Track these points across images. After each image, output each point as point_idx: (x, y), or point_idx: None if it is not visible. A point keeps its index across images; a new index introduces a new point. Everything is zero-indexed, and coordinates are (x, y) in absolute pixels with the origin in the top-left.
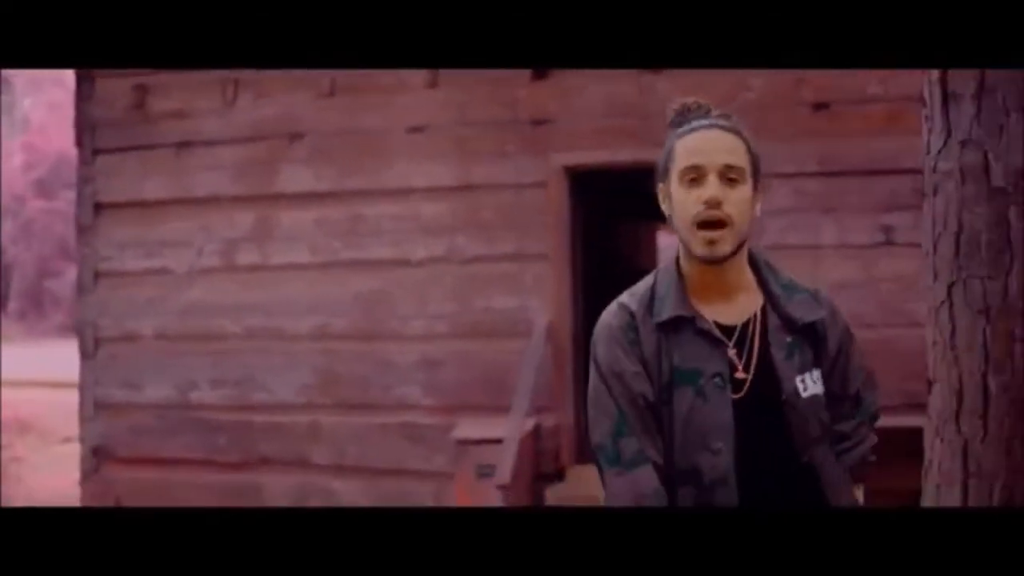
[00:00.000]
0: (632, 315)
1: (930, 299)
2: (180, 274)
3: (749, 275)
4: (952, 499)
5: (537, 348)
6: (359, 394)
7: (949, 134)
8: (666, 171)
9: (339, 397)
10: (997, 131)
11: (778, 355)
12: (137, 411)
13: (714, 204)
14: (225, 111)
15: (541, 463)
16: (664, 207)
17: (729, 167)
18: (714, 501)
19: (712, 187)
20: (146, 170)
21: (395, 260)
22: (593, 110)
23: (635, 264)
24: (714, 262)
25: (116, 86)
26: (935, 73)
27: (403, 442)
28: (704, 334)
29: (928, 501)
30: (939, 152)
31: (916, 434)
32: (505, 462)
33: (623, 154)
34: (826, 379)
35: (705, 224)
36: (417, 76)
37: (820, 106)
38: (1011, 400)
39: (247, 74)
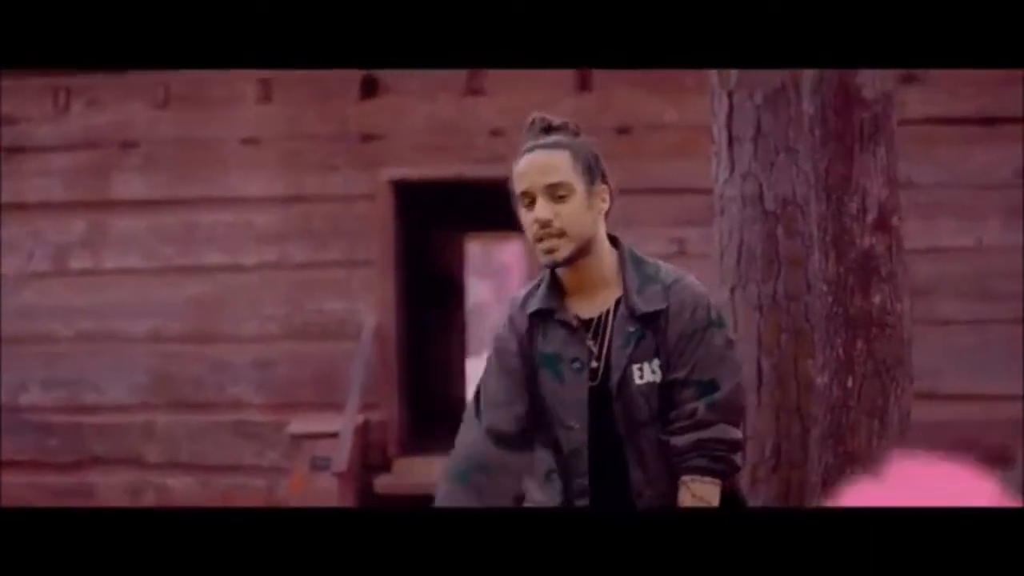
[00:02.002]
0: (514, 305)
1: (718, 299)
2: (10, 278)
3: (613, 270)
4: None
5: (366, 348)
6: (193, 394)
7: (733, 168)
8: (514, 195)
9: (173, 397)
10: (769, 167)
11: (617, 343)
12: None
13: (544, 224)
14: (57, 117)
15: (370, 455)
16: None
17: (552, 186)
18: (570, 468)
19: (540, 208)
20: None
21: (228, 266)
22: (417, 128)
23: (445, 271)
24: (559, 266)
25: None
26: (722, 118)
27: (236, 439)
28: (564, 324)
29: None
30: (725, 182)
31: None
32: (341, 453)
33: (444, 169)
34: (670, 367)
35: (541, 238)
36: (251, 89)
37: (623, 131)
38: (778, 377)
39: (79, 81)
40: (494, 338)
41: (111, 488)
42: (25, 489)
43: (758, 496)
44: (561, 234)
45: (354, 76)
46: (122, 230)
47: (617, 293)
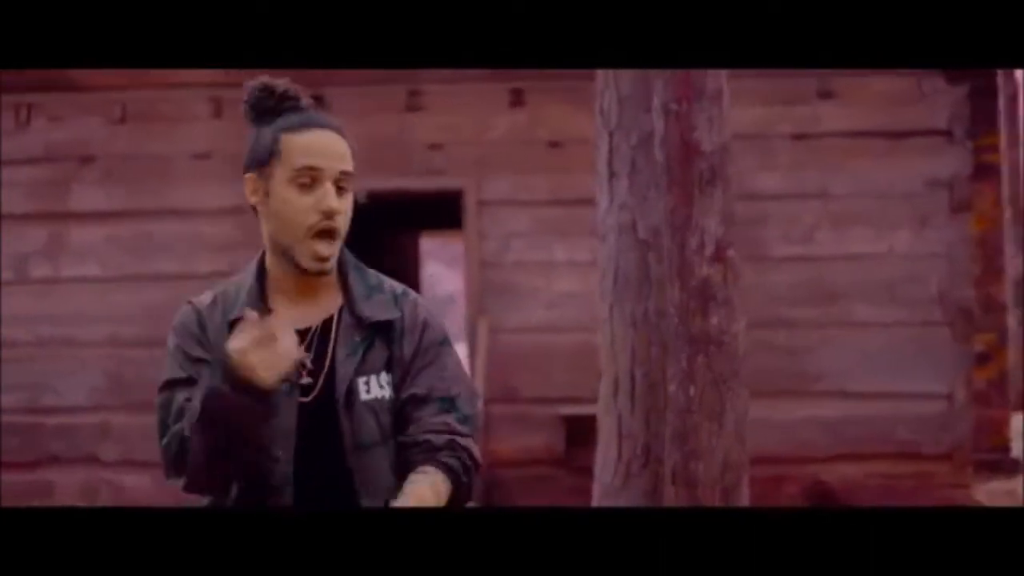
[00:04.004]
0: (199, 313)
1: (598, 315)
2: None
3: (334, 276)
4: (611, 456)
5: None
6: (147, 395)
7: (612, 200)
8: (264, 164)
9: (128, 399)
10: (642, 200)
11: (341, 354)
12: None
13: (331, 215)
14: (18, 132)
15: None
16: (253, 199)
17: (344, 174)
18: (271, 504)
19: (330, 196)
20: None
21: (181, 274)
22: (360, 143)
23: (398, 269)
24: (321, 275)
25: None
26: (603, 155)
27: None
28: None
29: (598, 461)
30: (605, 211)
31: None
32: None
33: (386, 182)
34: (407, 383)
35: (322, 234)
36: (202, 107)
37: (554, 144)
38: (649, 385)
39: (40, 98)
40: (176, 333)
41: (69, 486)
42: None
43: (631, 490)
44: (339, 235)
45: None
46: (80, 240)
47: (337, 299)
